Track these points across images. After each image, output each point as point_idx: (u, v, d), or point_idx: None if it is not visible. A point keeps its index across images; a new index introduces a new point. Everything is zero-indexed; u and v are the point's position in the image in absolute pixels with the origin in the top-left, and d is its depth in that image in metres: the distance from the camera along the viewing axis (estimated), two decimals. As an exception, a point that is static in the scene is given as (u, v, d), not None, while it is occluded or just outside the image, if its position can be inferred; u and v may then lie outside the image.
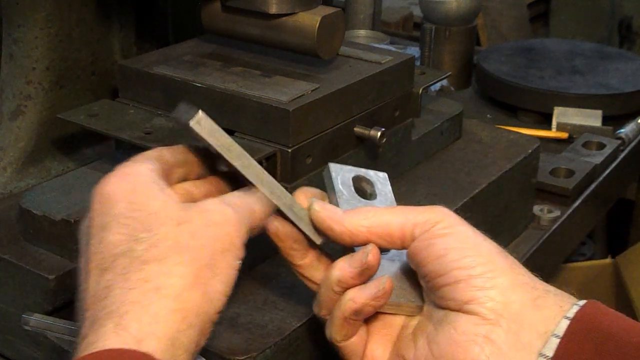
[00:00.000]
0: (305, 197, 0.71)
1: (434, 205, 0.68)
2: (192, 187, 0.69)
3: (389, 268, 0.70)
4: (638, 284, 1.58)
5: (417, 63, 1.40)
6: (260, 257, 0.83)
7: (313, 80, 0.90)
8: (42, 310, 0.77)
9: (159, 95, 0.90)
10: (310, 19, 0.89)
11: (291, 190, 0.85)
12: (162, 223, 0.60)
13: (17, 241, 0.82)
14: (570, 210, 1.20)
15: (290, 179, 0.85)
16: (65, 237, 0.79)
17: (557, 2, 2.93)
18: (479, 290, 0.63)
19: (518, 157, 1.07)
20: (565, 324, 0.61)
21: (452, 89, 1.52)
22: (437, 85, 1.46)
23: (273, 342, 0.72)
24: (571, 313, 0.62)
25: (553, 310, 0.63)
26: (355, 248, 0.69)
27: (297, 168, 0.85)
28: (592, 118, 1.41)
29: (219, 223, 0.61)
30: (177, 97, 0.89)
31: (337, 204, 0.71)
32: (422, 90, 1.01)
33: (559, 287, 0.66)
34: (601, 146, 1.34)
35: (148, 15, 1.05)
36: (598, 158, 1.30)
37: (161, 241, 0.59)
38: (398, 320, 0.70)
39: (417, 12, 2.16)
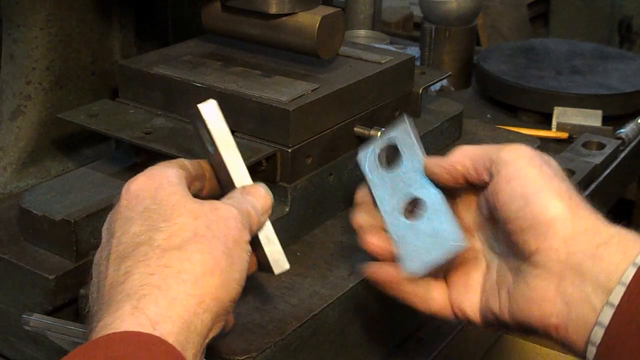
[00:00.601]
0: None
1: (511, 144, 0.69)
2: None
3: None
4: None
5: (417, 63, 1.40)
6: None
7: (313, 80, 0.90)
8: (42, 310, 0.77)
9: (159, 95, 0.90)
10: (310, 19, 0.89)
11: (292, 189, 0.85)
12: (180, 214, 0.63)
13: (17, 241, 0.82)
14: (570, 210, 1.19)
15: (290, 179, 0.85)
16: (65, 237, 0.79)
17: (557, 2, 2.93)
18: (543, 239, 0.65)
19: (518, 157, 1.07)
20: (632, 271, 0.62)
21: (452, 89, 1.52)
22: (437, 85, 1.46)
23: (273, 342, 0.72)
24: (639, 259, 0.62)
25: (616, 258, 0.63)
26: None
27: (297, 168, 0.85)
28: (592, 118, 1.41)
29: (228, 218, 0.64)
30: (177, 97, 0.89)
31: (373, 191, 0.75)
32: (422, 90, 1.01)
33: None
34: (601, 146, 1.34)
35: (148, 15, 1.05)
36: (598, 158, 1.29)
37: (180, 231, 0.62)
38: (472, 271, 0.72)
39: (417, 12, 2.17)
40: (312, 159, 0.87)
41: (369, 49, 1.01)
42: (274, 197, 0.71)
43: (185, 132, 0.86)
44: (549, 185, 0.67)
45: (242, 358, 0.70)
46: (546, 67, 1.56)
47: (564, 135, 1.40)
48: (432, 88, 1.40)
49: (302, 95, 0.86)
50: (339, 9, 0.91)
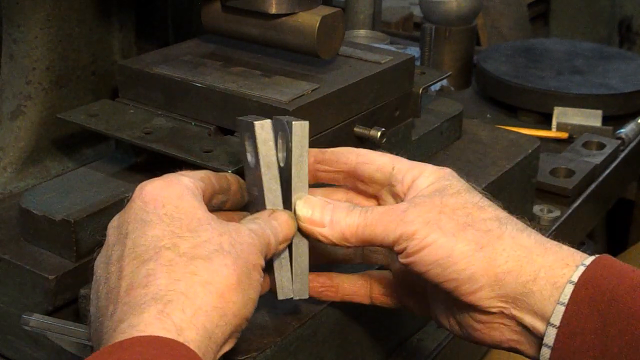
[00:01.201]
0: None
1: (408, 209, 0.69)
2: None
3: None
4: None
5: (417, 63, 1.40)
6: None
7: (313, 80, 0.90)
8: (42, 310, 0.77)
9: (159, 95, 0.90)
10: (310, 19, 0.89)
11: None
12: (205, 229, 0.63)
13: (17, 241, 0.82)
14: (570, 210, 1.20)
15: (290, 179, 0.84)
16: (65, 237, 0.79)
17: (557, 2, 2.93)
18: (473, 294, 0.67)
19: (518, 157, 1.07)
20: (569, 288, 0.64)
21: (452, 89, 1.52)
22: (437, 85, 1.46)
23: (273, 342, 0.72)
24: (564, 296, 0.64)
25: (546, 292, 0.65)
26: None
27: (297, 168, 0.85)
28: (592, 118, 1.41)
29: (250, 244, 0.65)
30: (177, 97, 0.89)
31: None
32: (422, 90, 1.01)
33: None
34: (601, 146, 1.34)
35: (148, 15, 1.05)
36: (598, 158, 1.30)
37: (206, 243, 0.62)
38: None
39: (417, 12, 2.17)
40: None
41: (369, 49, 1.01)
42: None
43: (185, 132, 0.86)
44: (459, 242, 0.67)
45: (242, 358, 0.70)
46: (546, 67, 1.57)
47: (564, 135, 1.40)
48: (432, 88, 1.40)
49: (302, 95, 0.86)
50: (339, 9, 0.91)
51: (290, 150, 0.69)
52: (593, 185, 1.26)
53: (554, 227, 1.14)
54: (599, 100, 1.45)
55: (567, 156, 1.29)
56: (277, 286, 0.71)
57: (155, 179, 0.66)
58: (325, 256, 0.78)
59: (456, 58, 1.51)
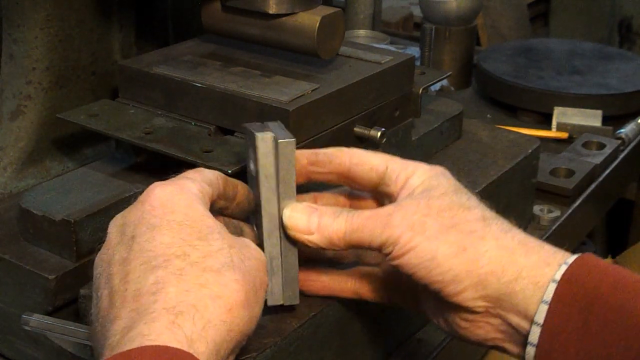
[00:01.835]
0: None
1: (392, 213, 0.69)
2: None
3: None
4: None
5: (417, 63, 1.40)
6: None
7: (313, 80, 0.90)
8: (42, 310, 0.77)
9: (159, 95, 0.90)
10: (310, 19, 0.89)
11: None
12: (216, 238, 0.63)
13: (17, 241, 0.82)
14: (570, 210, 1.20)
15: (290, 179, 0.84)
16: (65, 237, 0.79)
17: (557, 2, 2.94)
18: (457, 295, 0.68)
19: (518, 157, 1.07)
20: (552, 287, 0.65)
21: (452, 89, 1.52)
22: (437, 85, 1.46)
23: (273, 342, 0.72)
24: (547, 295, 0.65)
25: (529, 291, 0.66)
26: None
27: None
28: (592, 118, 1.41)
29: (257, 257, 0.65)
30: (177, 97, 0.89)
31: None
32: (422, 90, 1.01)
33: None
34: (601, 146, 1.34)
35: (148, 15, 1.05)
36: (598, 158, 1.30)
37: (217, 254, 0.62)
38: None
39: (417, 12, 2.17)
40: (312, 159, 0.87)
41: (369, 49, 1.01)
42: None
43: (185, 132, 0.86)
44: (442, 245, 0.67)
45: (242, 358, 0.70)
46: (546, 67, 1.57)
47: (564, 135, 1.40)
48: (432, 88, 1.40)
49: (302, 95, 0.86)
50: (339, 9, 0.91)
51: (277, 166, 0.70)
52: (593, 185, 1.26)
53: (554, 227, 1.14)
54: (599, 100, 1.45)
55: (567, 156, 1.29)
56: (268, 292, 0.71)
57: (165, 183, 0.66)
58: (316, 255, 0.78)
59: (456, 58, 1.51)
